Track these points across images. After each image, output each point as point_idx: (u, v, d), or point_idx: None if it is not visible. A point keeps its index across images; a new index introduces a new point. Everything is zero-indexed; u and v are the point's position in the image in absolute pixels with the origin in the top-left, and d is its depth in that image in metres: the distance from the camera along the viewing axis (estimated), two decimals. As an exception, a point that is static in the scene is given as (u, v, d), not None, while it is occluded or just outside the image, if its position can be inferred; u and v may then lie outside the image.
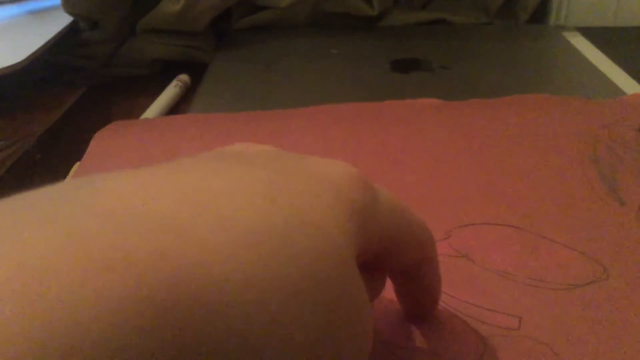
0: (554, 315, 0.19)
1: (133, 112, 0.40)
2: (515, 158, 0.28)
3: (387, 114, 0.34)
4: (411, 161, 0.29)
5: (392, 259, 0.15)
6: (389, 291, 0.18)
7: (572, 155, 0.28)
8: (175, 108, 0.42)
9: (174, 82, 0.43)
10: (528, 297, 0.20)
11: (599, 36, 0.47)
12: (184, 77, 0.44)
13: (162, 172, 0.12)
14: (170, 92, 0.42)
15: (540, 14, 0.53)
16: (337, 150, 0.30)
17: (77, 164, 0.31)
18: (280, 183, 0.12)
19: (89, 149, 0.32)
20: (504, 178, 0.27)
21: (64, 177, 0.31)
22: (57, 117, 0.41)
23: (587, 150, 0.29)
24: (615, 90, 0.38)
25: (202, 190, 0.11)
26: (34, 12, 0.48)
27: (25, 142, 0.38)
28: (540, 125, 0.32)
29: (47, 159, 0.37)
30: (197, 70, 0.45)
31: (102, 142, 0.33)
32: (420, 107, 0.35)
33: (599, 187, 0.26)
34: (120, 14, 0.45)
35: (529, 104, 0.34)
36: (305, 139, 0.32)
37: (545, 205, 0.25)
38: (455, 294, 0.20)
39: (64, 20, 0.43)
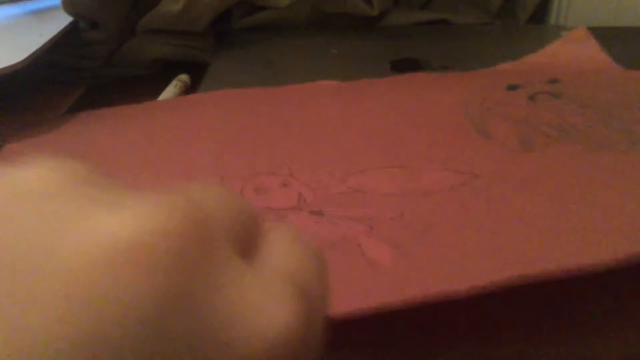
0: (431, 206, 0.24)
1: (133, 112, 0.40)
2: (399, 121, 0.33)
3: (290, 95, 0.38)
4: (312, 132, 0.33)
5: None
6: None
7: (449, 115, 0.34)
8: (175, 108, 0.42)
9: (174, 82, 0.43)
10: (410, 201, 0.25)
11: (599, 36, 0.47)
12: (184, 77, 0.44)
13: None
14: (170, 92, 0.42)
15: (540, 14, 0.53)
16: (245, 131, 0.34)
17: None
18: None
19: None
20: (390, 136, 0.32)
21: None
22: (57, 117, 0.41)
23: (462, 110, 0.34)
24: (615, 90, 0.38)
25: None
26: (34, 12, 0.48)
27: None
28: (420, 96, 0.37)
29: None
30: (197, 70, 0.45)
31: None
32: (318, 87, 0.40)
33: (470, 129, 0.31)
34: (120, 14, 0.45)
35: (411, 81, 0.39)
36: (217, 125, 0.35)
37: (425, 148, 0.30)
38: (347, 212, 0.24)
39: (64, 20, 0.43)
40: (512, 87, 0.36)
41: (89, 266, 0.07)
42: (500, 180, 0.26)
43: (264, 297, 0.09)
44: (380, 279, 0.20)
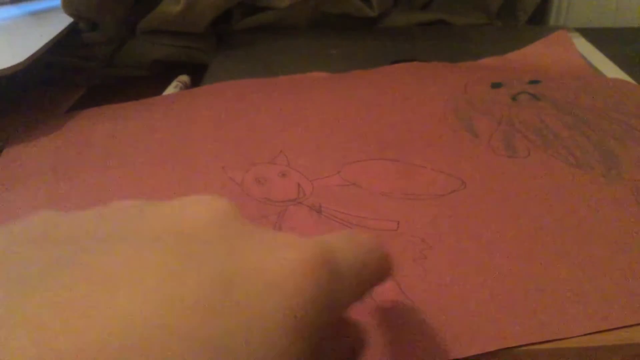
0: (424, 217, 0.24)
1: (133, 112, 0.40)
2: (390, 112, 0.34)
3: (283, 86, 0.39)
4: (306, 121, 0.34)
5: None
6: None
7: (435, 107, 0.34)
8: (176, 108, 0.42)
9: (174, 83, 0.43)
10: (405, 207, 0.25)
11: (599, 36, 0.47)
12: (184, 78, 0.44)
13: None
14: (170, 93, 0.42)
15: (540, 14, 0.53)
16: (233, 120, 0.34)
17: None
18: (220, 309, 0.10)
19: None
20: (382, 126, 0.32)
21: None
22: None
23: (448, 102, 0.35)
24: (615, 90, 0.38)
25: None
26: (34, 13, 0.48)
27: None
28: (409, 86, 0.38)
29: (47, 160, 0.36)
30: (197, 71, 0.45)
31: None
32: (311, 78, 0.41)
33: (458, 126, 0.32)
34: (120, 14, 0.45)
35: (401, 72, 0.41)
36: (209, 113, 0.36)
37: (415, 143, 0.31)
38: (344, 211, 0.25)
39: (64, 20, 0.43)
40: (496, 85, 0.37)
41: (292, 280, 0.11)
42: (487, 192, 0.26)
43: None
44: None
